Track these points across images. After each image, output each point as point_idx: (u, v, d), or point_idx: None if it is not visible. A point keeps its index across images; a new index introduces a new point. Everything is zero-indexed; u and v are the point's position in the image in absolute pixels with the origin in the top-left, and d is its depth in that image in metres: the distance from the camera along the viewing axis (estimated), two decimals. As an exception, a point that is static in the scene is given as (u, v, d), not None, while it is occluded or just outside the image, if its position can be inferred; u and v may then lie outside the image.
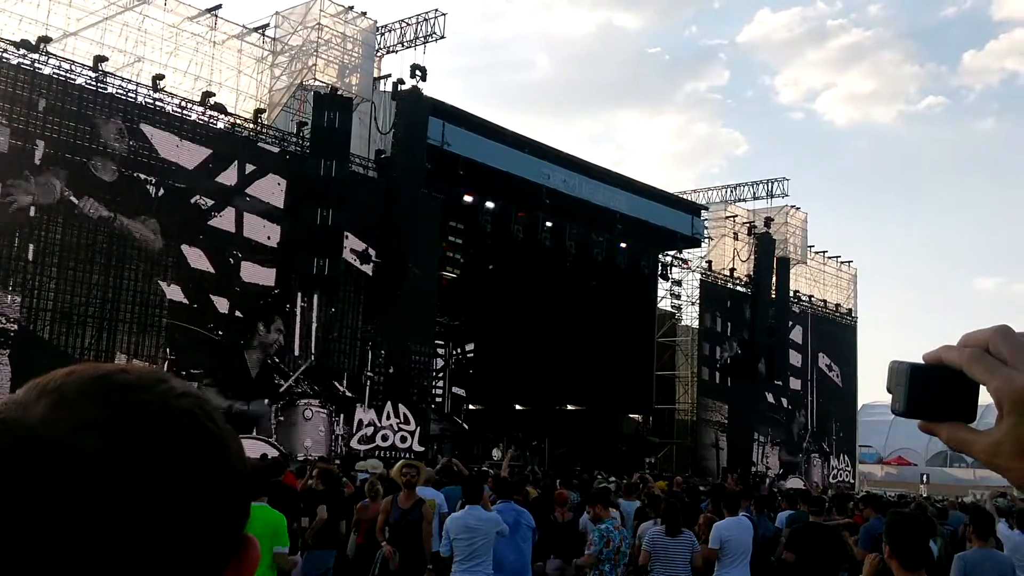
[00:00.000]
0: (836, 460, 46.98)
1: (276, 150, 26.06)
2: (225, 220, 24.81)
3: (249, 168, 25.27)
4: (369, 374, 27.58)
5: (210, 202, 24.51)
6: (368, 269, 27.45)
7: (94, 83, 23.17)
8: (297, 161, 26.17)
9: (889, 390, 1.01)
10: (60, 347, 21.68)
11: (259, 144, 25.94)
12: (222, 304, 24.61)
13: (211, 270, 24.43)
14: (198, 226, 24.31)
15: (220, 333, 24.50)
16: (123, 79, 23.73)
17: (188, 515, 0.79)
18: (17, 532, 0.74)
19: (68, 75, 22.84)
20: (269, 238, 25.50)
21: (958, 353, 0.97)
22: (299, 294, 25.97)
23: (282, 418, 25.49)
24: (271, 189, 25.63)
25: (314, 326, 26.37)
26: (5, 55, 21.83)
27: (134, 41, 24.27)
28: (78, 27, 23.58)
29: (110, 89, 23.39)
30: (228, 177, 24.87)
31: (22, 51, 22.14)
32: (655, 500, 14.37)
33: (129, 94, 23.74)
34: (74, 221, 22.24)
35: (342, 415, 26.80)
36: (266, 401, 25.14)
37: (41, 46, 22.44)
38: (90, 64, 23.21)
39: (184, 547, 0.79)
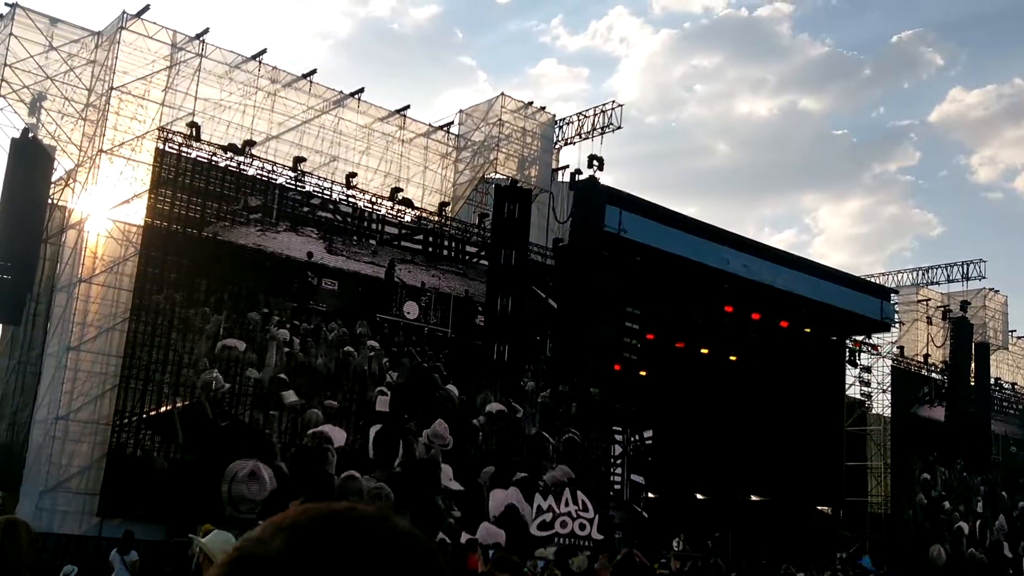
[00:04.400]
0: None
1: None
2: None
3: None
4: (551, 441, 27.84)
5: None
6: (547, 354, 27.85)
7: (293, 182, 24.76)
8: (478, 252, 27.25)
9: None
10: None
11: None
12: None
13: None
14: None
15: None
16: (319, 177, 25.25)
17: None
18: None
19: (270, 175, 24.51)
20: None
21: None
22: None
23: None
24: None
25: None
26: (215, 158, 23.65)
27: (329, 142, 25.88)
28: (279, 131, 25.33)
29: (308, 187, 24.93)
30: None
31: (229, 154, 23.93)
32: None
33: (324, 191, 25.22)
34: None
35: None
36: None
37: (246, 149, 24.20)
38: (290, 164, 24.83)
39: None
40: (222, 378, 22.74)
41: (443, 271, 27.16)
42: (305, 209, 24.97)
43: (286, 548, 0.85)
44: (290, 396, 23.62)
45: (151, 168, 22.78)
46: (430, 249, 26.95)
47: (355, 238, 25.69)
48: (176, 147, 23.03)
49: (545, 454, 28.12)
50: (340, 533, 0.86)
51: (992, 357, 40.25)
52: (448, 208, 27.48)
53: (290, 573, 0.82)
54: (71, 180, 23.89)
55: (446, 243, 27.37)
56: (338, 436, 24.20)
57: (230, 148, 23.98)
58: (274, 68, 25.52)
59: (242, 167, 24.03)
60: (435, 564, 0.88)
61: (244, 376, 23.25)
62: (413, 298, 26.58)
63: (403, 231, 26.62)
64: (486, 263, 27.20)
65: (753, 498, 38.25)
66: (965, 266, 39.50)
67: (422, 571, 0.86)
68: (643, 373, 32.49)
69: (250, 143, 24.33)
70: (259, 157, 24.43)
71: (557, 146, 29.50)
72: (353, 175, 25.71)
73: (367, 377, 25.23)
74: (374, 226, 26.18)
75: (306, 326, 24.51)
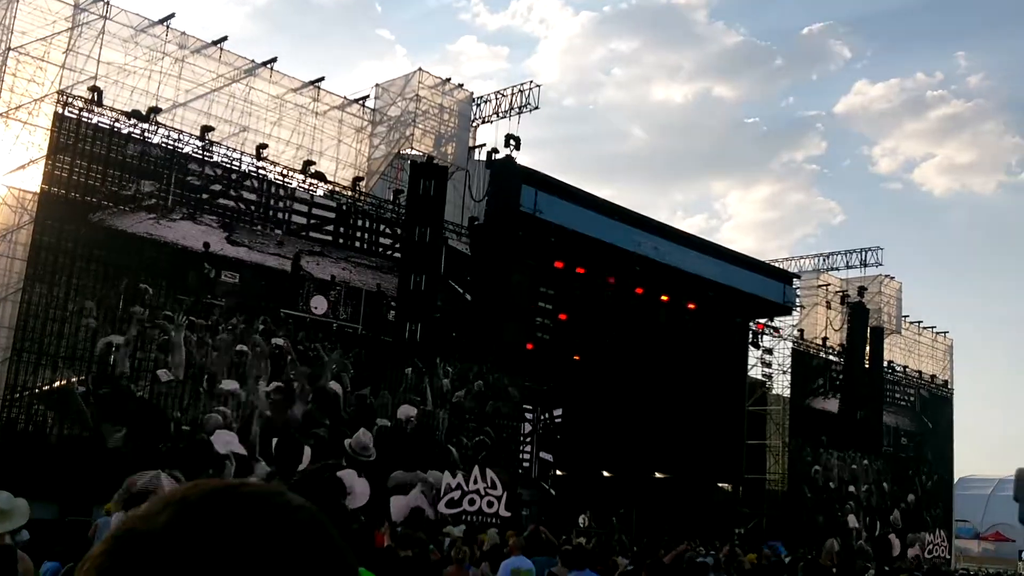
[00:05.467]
0: (931, 535, 45.48)
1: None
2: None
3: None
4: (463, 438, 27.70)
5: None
6: (459, 334, 27.66)
7: (200, 152, 23.97)
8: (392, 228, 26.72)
9: (1016, 499, 0.96)
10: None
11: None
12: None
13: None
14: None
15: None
16: (228, 148, 24.50)
17: None
18: None
19: (176, 144, 23.66)
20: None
21: None
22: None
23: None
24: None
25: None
26: (117, 124, 22.72)
27: (240, 111, 25.11)
28: (187, 98, 24.47)
29: (216, 157, 24.17)
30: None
31: (132, 120, 23.01)
32: (746, 574, 14.01)
33: (233, 162, 24.48)
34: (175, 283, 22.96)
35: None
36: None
37: (151, 116, 23.30)
38: (197, 133, 24.02)
39: None
40: (78, 384, 21.22)
41: (355, 264, 26.08)
42: (205, 195, 23.68)
43: (173, 523, 0.81)
44: (164, 375, 22.35)
45: (49, 133, 21.75)
46: (340, 240, 25.96)
47: (259, 227, 24.48)
48: (76, 112, 22.02)
49: (452, 460, 27.70)
50: (230, 507, 0.83)
51: (886, 341, 41.66)
52: (362, 183, 26.98)
53: (177, 548, 0.79)
54: (-38, 143, 22.69)
55: (358, 233, 26.45)
56: (235, 442, 22.98)
57: (134, 115, 23.07)
58: (182, 33, 24.58)
59: (146, 135, 23.13)
60: (329, 539, 0.86)
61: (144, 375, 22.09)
62: (321, 292, 25.30)
63: (312, 221, 25.49)
64: (399, 255, 26.54)
65: (657, 475, 38.96)
66: (863, 253, 40.75)
67: (316, 545, 0.84)
68: (555, 353, 32.69)
69: (155, 110, 23.42)
70: (164, 125, 23.56)
71: (474, 124, 29.23)
72: (264, 146, 25.01)
73: (268, 376, 23.97)
74: (280, 215, 24.95)
75: (202, 322, 23.03)
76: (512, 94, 28.57)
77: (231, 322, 23.58)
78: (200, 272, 23.28)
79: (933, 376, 46.40)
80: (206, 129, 24.19)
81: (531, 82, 28.44)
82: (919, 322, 45.76)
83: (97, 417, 21.33)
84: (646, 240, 32.28)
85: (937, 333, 47.25)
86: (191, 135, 23.94)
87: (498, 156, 27.91)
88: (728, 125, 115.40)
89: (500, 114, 28.70)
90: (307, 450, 24.23)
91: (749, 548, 30.74)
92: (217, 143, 24.29)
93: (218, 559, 0.78)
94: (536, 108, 28.11)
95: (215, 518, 0.81)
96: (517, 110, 28.26)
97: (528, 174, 28.67)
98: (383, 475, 25.60)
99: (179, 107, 24.31)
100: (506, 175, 27.61)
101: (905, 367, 44.43)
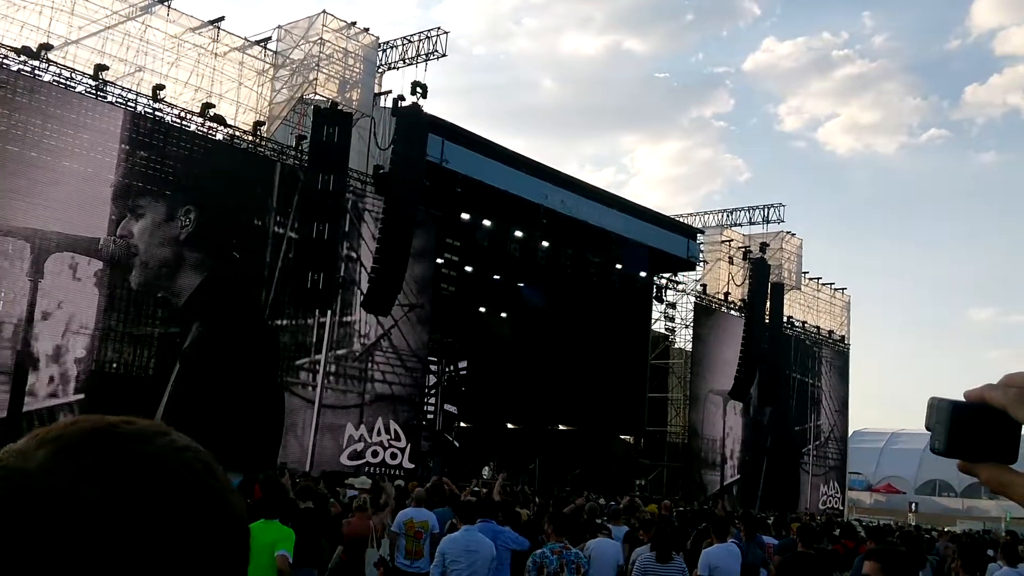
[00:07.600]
0: (826, 486, 46.94)
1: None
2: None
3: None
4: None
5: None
6: (363, 284, 27.41)
7: (93, 91, 23.14)
8: (295, 175, 26.19)
9: (928, 427, 0.99)
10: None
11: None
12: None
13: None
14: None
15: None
16: (123, 88, 23.69)
17: (189, 566, 0.78)
18: None
19: (68, 83, 22.80)
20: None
21: (1002, 393, 0.96)
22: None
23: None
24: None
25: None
26: (6, 61, 21.77)
27: (135, 51, 24.23)
28: (80, 35, 23.51)
29: (109, 98, 23.36)
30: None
31: (23, 57, 22.07)
32: (647, 524, 14.25)
33: (128, 103, 23.70)
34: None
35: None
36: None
37: (42, 53, 22.38)
38: (90, 72, 23.16)
39: None
40: None
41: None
42: None
43: (50, 461, 0.77)
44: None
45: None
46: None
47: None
48: (-38, 48, 21.05)
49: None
50: (111, 446, 0.79)
51: (786, 297, 42.53)
52: (263, 128, 26.39)
53: (53, 488, 0.75)
54: None
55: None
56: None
57: (24, 51, 22.12)
58: (74, -34, 23.55)
59: (37, 73, 22.22)
60: (214, 481, 0.83)
61: None
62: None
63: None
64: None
65: (561, 427, 39.48)
66: (766, 209, 41.49)
67: (199, 488, 0.81)
68: (460, 305, 32.74)
69: (46, 47, 22.49)
70: (56, 63, 22.65)
71: (380, 70, 28.70)
72: (161, 87, 24.24)
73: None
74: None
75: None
76: (419, 40, 28.12)
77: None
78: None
79: (831, 331, 47.68)
80: (100, 68, 23.33)
81: (439, 29, 28.06)
82: (818, 278, 46.86)
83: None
84: (553, 193, 32.37)
85: (835, 289, 48.42)
86: (84, 74, 23.07)
87: (404, 104, 27.52)
88: (638, 79, 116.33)
89: (407, 61, 28.24)
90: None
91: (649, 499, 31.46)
92: (111, 83, 23.47)
93: (96, 500, 0.75)
94: (444, 56, 27.75)
95: (94, 457, 0.78)
96: (424, 57, 27.86)
97: (435, 123, 28.39)
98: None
99: (71, 44, 23.34)
100: (412, 123, 27.25)
101: (804, 322, 45.50)
